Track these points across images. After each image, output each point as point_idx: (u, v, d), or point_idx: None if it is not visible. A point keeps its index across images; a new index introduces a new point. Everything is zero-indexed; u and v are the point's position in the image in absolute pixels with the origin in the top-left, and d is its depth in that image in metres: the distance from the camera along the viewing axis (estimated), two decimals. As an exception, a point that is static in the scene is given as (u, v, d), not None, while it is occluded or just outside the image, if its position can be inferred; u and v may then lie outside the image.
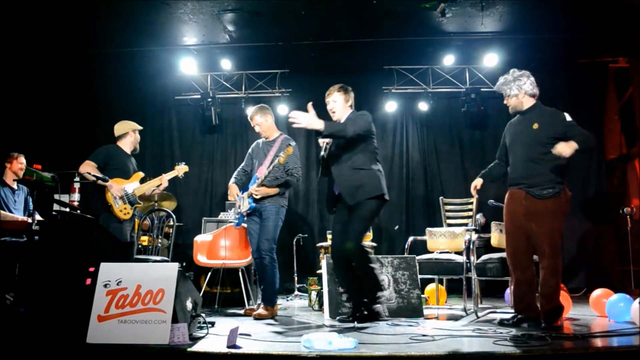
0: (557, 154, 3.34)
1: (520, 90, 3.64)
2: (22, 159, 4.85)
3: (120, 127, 4.33)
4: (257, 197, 4.11)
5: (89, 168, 4.00)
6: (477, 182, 3.91)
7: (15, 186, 4.82)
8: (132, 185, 4.19)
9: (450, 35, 6.29)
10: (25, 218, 4.59)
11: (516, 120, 3.77)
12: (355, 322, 3.57)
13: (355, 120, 3.82)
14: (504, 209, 3.73)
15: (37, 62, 6.50)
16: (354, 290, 3.84)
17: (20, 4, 5.28)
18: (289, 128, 7.16)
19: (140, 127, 4.47)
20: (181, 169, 4.60)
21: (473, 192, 3.94)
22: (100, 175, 3.96)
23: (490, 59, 6.59)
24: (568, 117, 3.55)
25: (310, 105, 3.70)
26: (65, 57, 6.48)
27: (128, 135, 4.32)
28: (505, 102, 3.74)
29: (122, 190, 4.06)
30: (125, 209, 4.08)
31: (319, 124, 3.60)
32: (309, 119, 3.63)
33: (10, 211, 4.67)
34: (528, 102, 3.65)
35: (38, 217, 4.26)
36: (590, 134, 3.48)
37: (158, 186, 4.36)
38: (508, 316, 3.62)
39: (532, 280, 3.56)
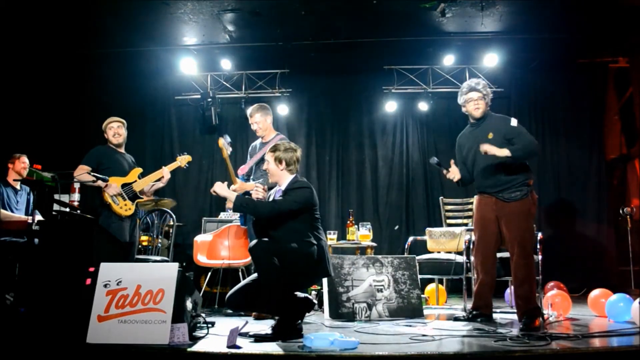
0: (482, 152, 3.44)
1: (488, 97, 3.77)
2: (25, 159, 4.85)
3: (102, 127, 4.33)
4: (239, 192, 4.09)
5: (83, 172, 4.02)
6: (456, 171, 3.77)
7: (17, 186, 4.82)
8: (131, 181, 4.17)
9: (450, 35, 6.29)
10: (27, 218, 4.59)
11: (468, 131, 3.82)
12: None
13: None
14: (475, 214, 3.80)
15: (37, 62, 6.50)
16: None
17: (20, 4, 5.28)
18: (289, 128, 7.24)
19: (115, 119, 4.28)
20: (184, 159, 4.52)
21: (457, 176, 3.76)
22: (99, 175, 3.96)
23: (490, 59, 6.59)
24: (514, 122, 3.63)
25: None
26: (65, 57, 6.48)
27: (106, 133, 4.29)
28: (473, 105, 3.74)
29: (118, 188, 4.05)
30: (125, 205, 4.07)
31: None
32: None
33: (12, 211, 4.67)
34: (487, 110, 3.77)
35: (38, 217, 4.26)
36: (535, 140, 3.55)
37: (160, 179, 4.32)
38: (462, 314, 3.87)
39: (493, 282, 3.78)
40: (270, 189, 3.73)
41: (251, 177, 4.27)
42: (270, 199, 3.49)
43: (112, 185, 4.02)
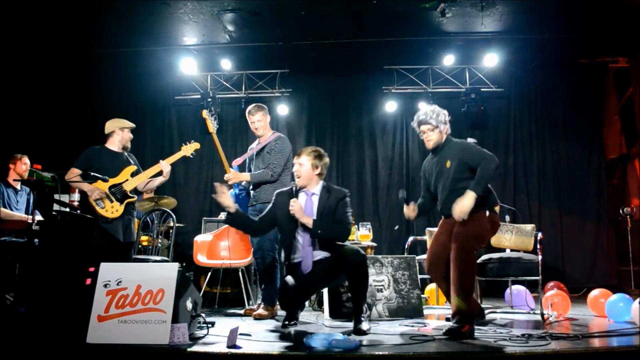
0: (459, 219, 3.19)
1: (442, 125, 3.55)
2: (26, 160, 4.84)
3: (108, 125, 4.29)
4: (230, 182, 4.10)
5: (73, 175, 4.01)
6: (413, 210, 3.75)
7: (18, 187, 4.82)
8: (121, 181, 4.14)
9: (450, 35, 6.30)
10: (27, 217, 4.58)
11: (430, 158, 3.69)
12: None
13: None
14: (435, 232, 3.66)
15: (37, 62, 6.51)
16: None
17: (20, 4, 5.28)
18: (289, 128, 7.24)
19: (130, 125, 4.33)
20: (190, 147, 4.44)
21: (411, 216, 3.76)
22: (99, 175, 3.95)
23: (490, 59, 6.59)
24: (470, 141, 3.51)
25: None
26: (66, 57, 6.49)
27: (115, 134, 4.27)
28: (424, 136, 3.57)
29: (102, 192, 4.00)
30: (112, 207, 4.03)
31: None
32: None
33: (12, 211, 4.67)
34: (442, 139, 3.57)
35: (38, 217, 4.25)
36: (491, 157, 3.30)
37: (159, 174, 4.27)
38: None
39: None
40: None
41: (248, 167, 4.29)
42: (300, 201, 3.52)
43: (94, 190, 3.98)
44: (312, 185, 3.58)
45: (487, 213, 3.35)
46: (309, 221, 3.39)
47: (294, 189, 3.58)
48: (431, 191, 3.69)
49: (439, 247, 3.55)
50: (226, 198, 3.43)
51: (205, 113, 4.42)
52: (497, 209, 3.50)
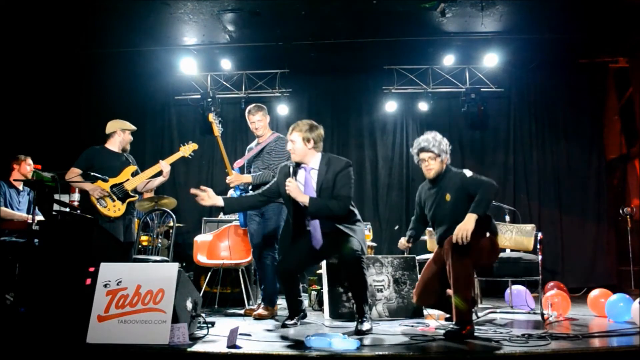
0: (460, 241, 3.06)
1: (444, 154, 3.43)
2: (30, 161, 4.86)
3: (109, 126, 4.31)
4: (232, 184, 4.10)
5: (74, 175, 4.01)
6: (405, 242, 3.83)
7: (20, 187, 4.82)
8: (122, 180, 4.15)
9: (450, 35, 6.30)
10: (27, 217, 4.58)
11: (427, 187, 3.59)
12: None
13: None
14: (428, 261, 3.65)
15: (37, 62, 6.51)
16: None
17: (20, 4, 5.28)
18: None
19: (132, 127, 4.36)
20: (189, 148, 4.45)
21: (404, 248, 3.87)
22: (99, 175, 3.95)
23: (490, 59, 6.59)
24: (468, 173, 3.38)
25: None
26: (66, 57, 6.49)
27: (116, 135, 4.28)
28: (425, 165, 3.45)
29: (104, 191, 4.01)
30: (114, 206, 4.05)
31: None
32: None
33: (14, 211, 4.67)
34: (443, 168, 3.46)
35: (38, 217, 4.25)
36: (490, 183, 3.24)
37: (159, 174, 4.28)
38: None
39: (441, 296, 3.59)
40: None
41: (249, 168, 4.29)
42: (300, 178, 3.48)
43: (96, 189, 4.00)
44: (310, 159, 3.48)
45: (487, 235, 3.32)
46: (305, 200, 3.33)
47: (291, 166, 3.46)
48: (425, 220, 3.67)
49: (429, 276, 3.53)
50: (209, 199, 3.40)
51: (211, 117, 4.43)
52: (500, 238, 3.47)
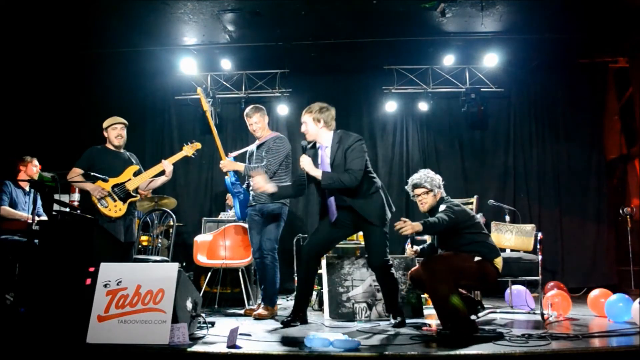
0: (396, 228, 3.22)
1: (436, 189, 3.61)
2: (36, 162, 4.87)
3: (104, 125, 4.31)
4: (224, 169, 4.09)
5: (75, 174, 4.01)
6: (410, 249, 3.96)
7: (27, 188, 4.83)
8: (124, 180, 4.14)
9: (450, 35, 6.29)
10: (28, 216, 4.58)
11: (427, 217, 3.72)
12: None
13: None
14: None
15: (37, 62, 6.50)
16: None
17: (20, 4, 5.28)
18: (289, 129, 7.24)
19: (113, 122, 4.23)
20: (192, 147, 4.43)
21: (411, 253, 3.96)
22: (99, 175, 3.95)
23: (490, 59, 6.59)
24: (442, 207, 3.52)
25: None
26: (66, 57, 6.48)
27: (107, 132, 4.26)
28: (419, 199, 3.63)
29: (104, 191, 4.01)
30: (116, 205, 4.04)
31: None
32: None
33: (20, 211, 4.67)
34: (436, 201, 3.62)
35: (38, 217, 4.26)
36: (446, 217, 3.37)
37: (161, 173, 4.26)
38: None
39: None
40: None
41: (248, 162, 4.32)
42: (316, 157, 3.72)
43: (96, 189, 3.99)
44: (323, 138, 3.74)
45: (476, 258, 3.36)
46: (317, 174, 3.53)
47: (306, 144, 3.79)
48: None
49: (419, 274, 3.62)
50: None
51: (200, 90, 4.40)
52: (498, 262, 3.46)
